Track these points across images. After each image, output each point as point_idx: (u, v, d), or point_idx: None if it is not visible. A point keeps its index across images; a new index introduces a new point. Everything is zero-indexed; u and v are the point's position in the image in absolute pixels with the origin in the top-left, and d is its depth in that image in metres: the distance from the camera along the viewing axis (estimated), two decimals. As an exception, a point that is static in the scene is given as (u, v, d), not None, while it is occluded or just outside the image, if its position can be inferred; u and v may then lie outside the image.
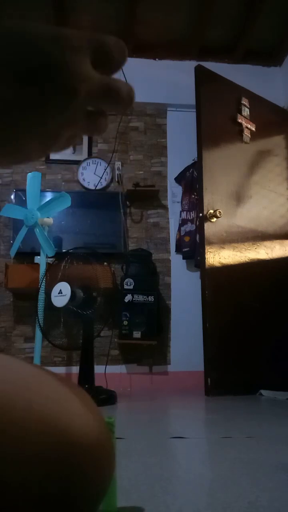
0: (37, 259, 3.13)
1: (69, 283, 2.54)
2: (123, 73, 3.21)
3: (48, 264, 2.93)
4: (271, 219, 3.40)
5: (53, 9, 3.39)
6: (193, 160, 3.56)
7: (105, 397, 2.48)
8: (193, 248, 3.51)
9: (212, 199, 3.06)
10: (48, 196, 3.36)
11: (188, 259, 3.64)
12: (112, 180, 3.77)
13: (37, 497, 0.33)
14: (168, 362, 3.54)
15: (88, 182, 3.72)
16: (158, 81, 3.85)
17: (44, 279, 2.77)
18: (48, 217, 2.99)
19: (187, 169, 3.72)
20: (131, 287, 3.32)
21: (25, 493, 0.32)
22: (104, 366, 3.18)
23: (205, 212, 3.00)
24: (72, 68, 0.32)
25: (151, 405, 2.59)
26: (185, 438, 1.46)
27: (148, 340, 3.27)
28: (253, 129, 3.40)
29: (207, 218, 3.00)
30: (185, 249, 3.58)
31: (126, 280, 3.33)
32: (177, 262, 3.69)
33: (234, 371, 2.92)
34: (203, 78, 3.22)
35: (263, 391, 2.87)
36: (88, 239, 3.51)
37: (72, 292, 2.51)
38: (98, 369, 2.83)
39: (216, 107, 3.23)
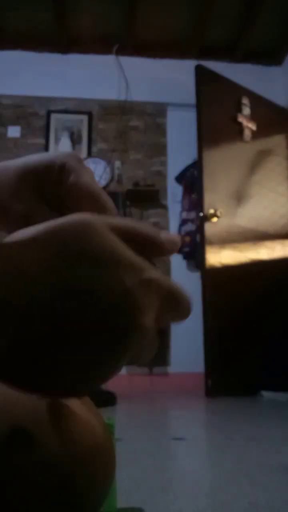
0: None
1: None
2: (124, 72, 3.21)
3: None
4: (271, 219, 3.39)
5: (53, 9, 3.39)
6: (193, 160, 3.55)
7: (104, 399, 2.47)
8: (193, 248, 3.50)
9: (212, 199, 3.05)
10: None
11: (188, 259, 3.64)
12: (112, 179, 3.76)
13: (37, 499, 0.32)
14: (168, 363, 3.53)
15: (88, 182, 3.71)
16: (158, 80, 3.85)
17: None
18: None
19: (187, 168, 3.71)
20: (131, 287, 3.31)
21: (25, 494, 0.32)
22: (104, 366, 3.16)
23: (205, 212, 2.99)
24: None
25: (151, 407, 2.59)
26: (185, 439, 1.46)
27: (148, 340, 3.26)
28: (254, 128, 3.39)
29: (207, 218, 3.00)
30: (186, 249, 3.57)
31: (126, 280, 3.32)
32: (177, 262, 3.68)
33: (235, 372, 2.92)
34: (203, 77, 3.22)
35: (264, 392, 2.86)
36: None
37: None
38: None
39: (216, 106, 3.23)
